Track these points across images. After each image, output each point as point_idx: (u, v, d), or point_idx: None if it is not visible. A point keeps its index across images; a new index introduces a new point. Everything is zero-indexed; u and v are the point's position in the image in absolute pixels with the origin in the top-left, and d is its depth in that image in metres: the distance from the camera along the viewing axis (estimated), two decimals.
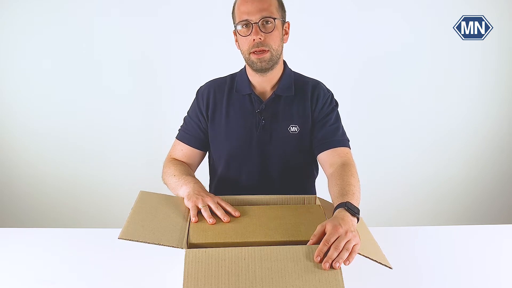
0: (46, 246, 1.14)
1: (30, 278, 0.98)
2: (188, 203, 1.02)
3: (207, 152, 1.37)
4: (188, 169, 1.25)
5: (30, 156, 2.42)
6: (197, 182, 1.14)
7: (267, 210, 1.03)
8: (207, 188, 1.42)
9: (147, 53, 2.31)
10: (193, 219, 0.96)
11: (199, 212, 0.99)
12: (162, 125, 2.37)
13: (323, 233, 0.84)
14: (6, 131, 2.39)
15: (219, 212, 0.98)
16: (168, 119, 2.05)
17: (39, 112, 2.36)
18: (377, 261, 0.84)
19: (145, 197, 1.05)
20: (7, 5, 2.20)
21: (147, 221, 0.92)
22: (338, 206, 0.94)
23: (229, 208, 1.01)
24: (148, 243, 0.84)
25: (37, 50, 2.28)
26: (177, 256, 0.86)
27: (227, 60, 1.55)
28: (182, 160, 1.28)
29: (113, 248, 1.10)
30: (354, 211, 0.91)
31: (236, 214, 1.00)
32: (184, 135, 1.30)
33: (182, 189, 1.10)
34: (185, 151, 1.28)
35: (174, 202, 1.06)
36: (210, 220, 0.95)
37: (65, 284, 0.95)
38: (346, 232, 0.83)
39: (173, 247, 0.84)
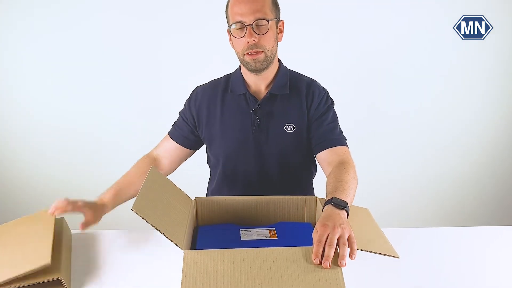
0: None
1: None
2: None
3: (207, 153, 1.37)
4: (134, 178, 1.26)
5: (30, 156, 2.43)
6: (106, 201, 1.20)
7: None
8: (206, 188, 1.42)
9: (148, 54, 2.31)
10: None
11: None
12: (163, 126, 2.36)
13: None
14: (6, 131, 2.39)
15: None
16: (169, 120, 2.04)
17: (39, 112, 2.36)
18: (382, 254, 0.83)
19: (156, 174, 1.04)
20: (6, 5, 2.21)
21: (157, 202, 0.92)
22: (325, 204, 0.93)
23: None
24: (155, 227, 0.82)
25: (37, 50, 2.28)
26: (176, 257, 0.85)
27: (228, 60, 1.54)
28: (164, 155, 1.32)
29: (112, 249, 1.10)
30: (340, 205, 0.90)
31: None
32: (173, 131, 1.35)
33: (104, 193, 1.22)
34: (168, 146, 1.33)
35: (178, 194, 1.05)
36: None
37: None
38: (334, 227, 0.82)
39: (175, 244, 0.82)
